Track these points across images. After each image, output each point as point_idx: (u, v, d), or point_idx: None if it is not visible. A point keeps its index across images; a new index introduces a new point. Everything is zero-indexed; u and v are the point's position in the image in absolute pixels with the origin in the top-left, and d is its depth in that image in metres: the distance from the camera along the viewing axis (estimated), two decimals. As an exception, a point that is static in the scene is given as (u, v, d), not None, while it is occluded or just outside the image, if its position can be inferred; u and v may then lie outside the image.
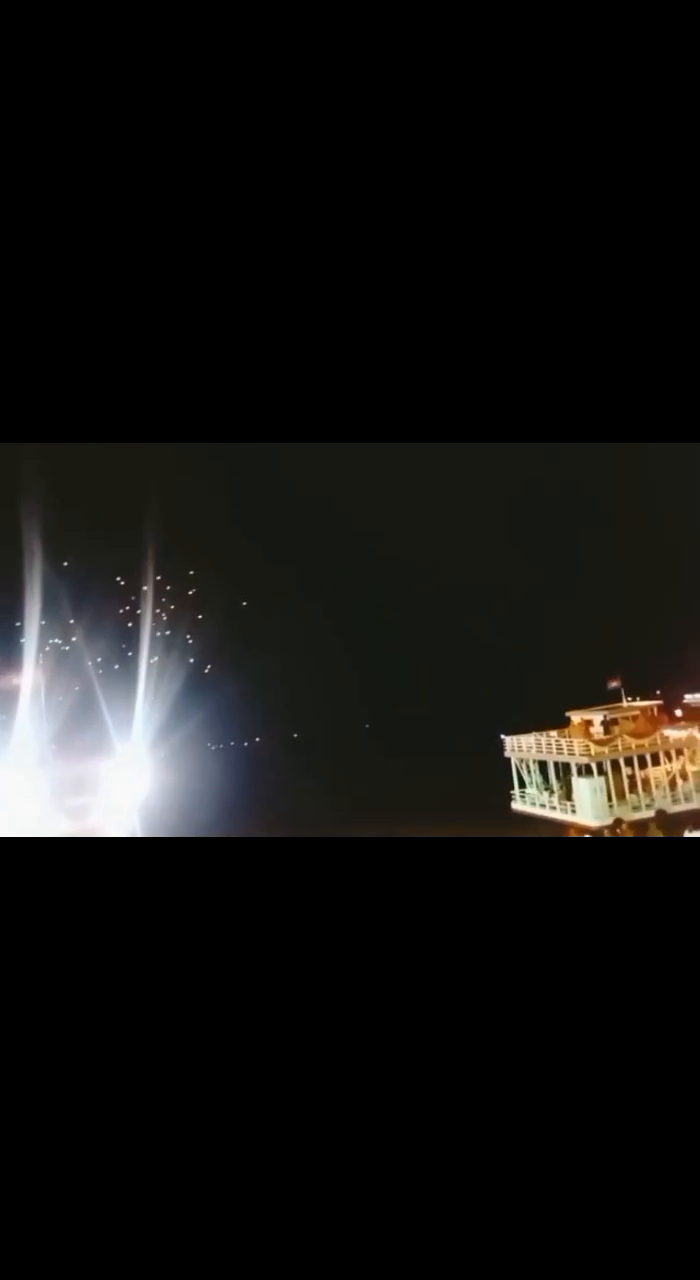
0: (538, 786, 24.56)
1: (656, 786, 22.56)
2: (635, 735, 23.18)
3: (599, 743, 22.68)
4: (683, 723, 25.20)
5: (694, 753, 23.64)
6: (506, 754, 25.61)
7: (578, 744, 22.78)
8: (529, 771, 25.07)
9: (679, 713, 25.39)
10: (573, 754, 22.68)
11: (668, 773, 22.83)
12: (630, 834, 19.81)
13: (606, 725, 23.47)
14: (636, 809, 21.91)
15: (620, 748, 22.64)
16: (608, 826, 21.03)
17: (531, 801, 24.51)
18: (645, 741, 23.15)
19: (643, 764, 22.57)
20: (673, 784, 22.60)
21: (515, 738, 25.32)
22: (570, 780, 22.95)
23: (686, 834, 18.87)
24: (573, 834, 21.07)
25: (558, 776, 23.84)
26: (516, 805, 24.87)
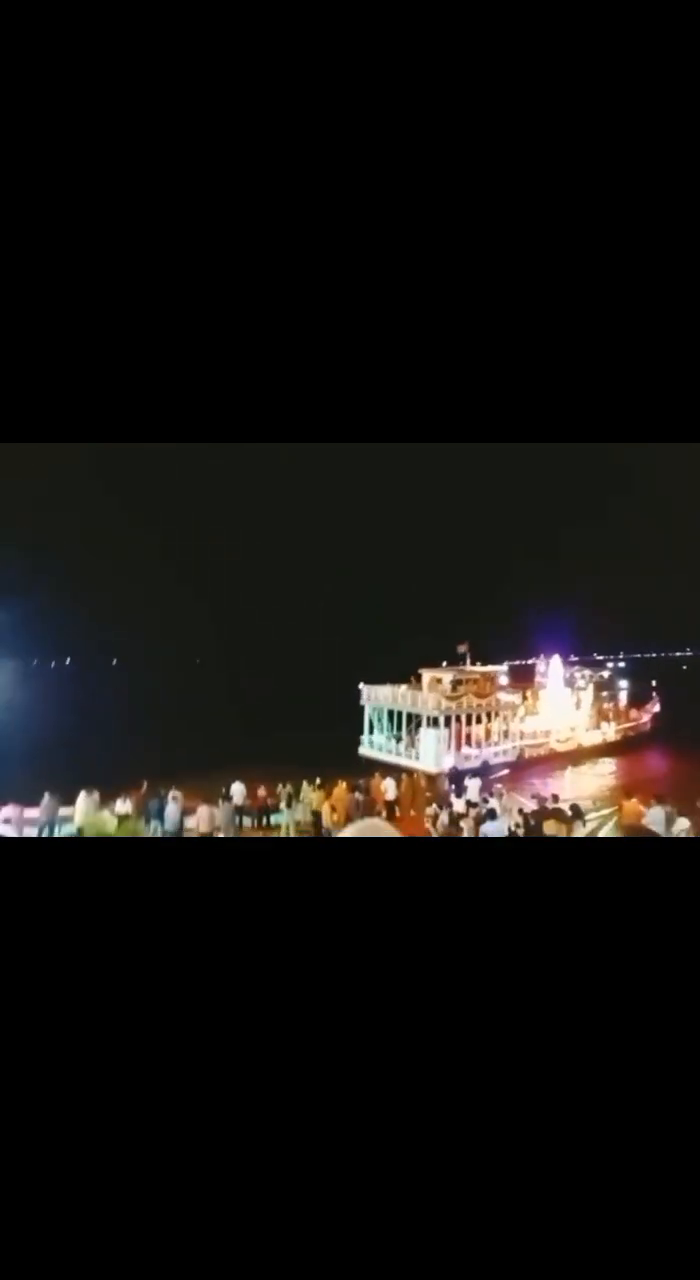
0: (387, 734, 26.35)
1: (483, 742, 25.69)
2: (478, 695, 25.94)
3: (450, 698, 24.99)
4: (510, 688, 28.94)
5: (513, 714, 27.35)
6: (362, 702, 26.93)
7: (432, 698, 24.85)
8: (379, 720, 26.75)
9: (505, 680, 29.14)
10: (426, 706, 24.69)
11: (489, 730, 26.10)
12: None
13: (454, 684, 25.86)
14: (467, 760, 24.78)
15: (465, 704, 25.23)
16: (441, 773, 23.49)
17: (378, 747, 26.24)
18: (484, 701, 26.06)
19: (469, 721, 25.46)
20: (494, 740, 25.97)
21: (372, 688, 26.71)
22: (415, 730, 25.03)
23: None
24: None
25: (405, 727, 25.80)
26: (364, 750, 26.43)
